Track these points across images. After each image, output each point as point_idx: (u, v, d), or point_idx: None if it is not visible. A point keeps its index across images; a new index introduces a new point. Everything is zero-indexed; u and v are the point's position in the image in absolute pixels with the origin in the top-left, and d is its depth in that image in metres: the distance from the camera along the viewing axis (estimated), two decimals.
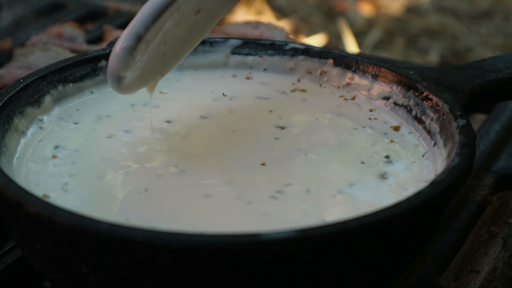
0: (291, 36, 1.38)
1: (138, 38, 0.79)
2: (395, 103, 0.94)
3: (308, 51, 1.00)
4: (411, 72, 0.94)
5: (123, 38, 0.79)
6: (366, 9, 2.76)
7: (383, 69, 0.95)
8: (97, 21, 1.42)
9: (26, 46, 1.28)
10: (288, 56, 1.01)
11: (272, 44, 1.02)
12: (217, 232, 0.67)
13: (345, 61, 0.98)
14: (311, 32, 2.54)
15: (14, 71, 1.20)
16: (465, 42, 2.60)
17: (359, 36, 2.51)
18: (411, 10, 2.77)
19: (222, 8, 0.90)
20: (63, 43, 1.28)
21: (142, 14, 0.80)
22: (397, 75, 0.94)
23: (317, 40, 2.40)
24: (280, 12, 2.66)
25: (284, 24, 2.58)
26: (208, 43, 1.02)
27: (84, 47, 1.28)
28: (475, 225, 0.98)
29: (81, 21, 1.40)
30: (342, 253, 0.70)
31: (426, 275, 0.87)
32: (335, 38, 2.48)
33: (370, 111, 0.94)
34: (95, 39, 1.33)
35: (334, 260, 0.70)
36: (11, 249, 0.87)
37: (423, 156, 0.87)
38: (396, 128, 0.91)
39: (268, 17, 2.53)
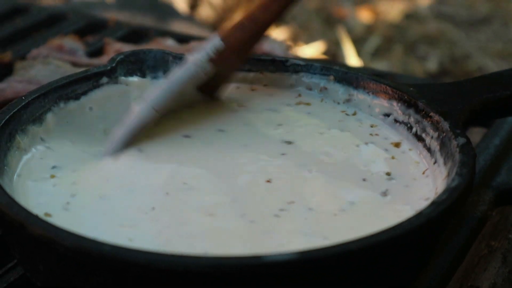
0: (289, 43, 1.38)
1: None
2: (396, 120, 0.94)
3: (309, 68, 1.01)
4: (411, 89, 0.94)
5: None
6: (365, 16, 2.76)
7: (383, 86, 0.96)
8: (97, 33, 1.42)
9: (26, 59, 1.28)
10: (289, 72, 1.01)
11: (273, 60, 1.02)
12: (220, 254, 0.67)
13: (346, 78, 0.99)
14: (310, 39, 2.55)
15: (15, 85, 1.21)
16: (464, 48, 2.60)
17: (358, 43, 2.51)
18: (409, 16, 2.78)
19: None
20: (64, 56, 1.29)
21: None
22: (397, 91, 0.94)
23: (316, 48, 2.41)
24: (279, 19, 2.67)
25: (283, 31, 2.59)
26: None
27: (84, 60, 1.29)
28: (475, 240, 0.98)
29: (81, 33, 1.40)
30: (344, 274, 0.70)
31: None
32: (334, 45, 2.49)
33: (371, 126, 0.95)
34: (96, 52, 1.33)
35: (335, 280, 0.70)
36: (13, 267, 0.88)
37: (423, 173, 0.88)
38: (397, 145, 0.92)
39: None
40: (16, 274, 0.87)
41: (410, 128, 0.93)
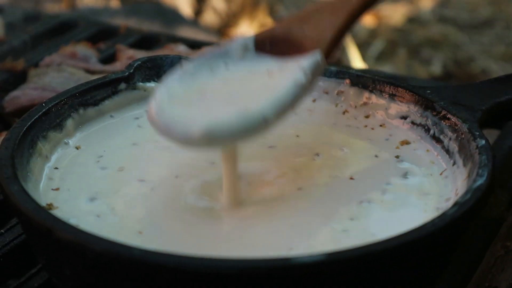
0: None
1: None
2: (413, 122, 0.95)
3: (325, 72, 1.01)
4: (428, 91, 0.95)
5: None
6: (368, 20, 2.77)
7: (400, 89, 0.97)
8: (108, 40, 1.43)
9: (40, 67, 1.29)
10: None
11: None
12: (249, 256, 0.68)
13: (362, 81, 0.99)
14: None
15: (30, 92, 1.21)
16: (467, 51, 2.61)
17: (362, 47, 2.52)
18: (412, 20, 2.79)
19: None
20: (77, 63, 1.29)
21: None
22: (414, 94, 0.95)
23: None
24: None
25: None
26: None
27: (98, 66, 1.29)
28: (492, 241, 0.99)
29: (93, 40, 1.41)
30: (370, 275, 0.71)
31: None
32: (339, 50, 2.49)
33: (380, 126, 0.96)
34: (108, 58, 1.34)
35: (362, 281, 0.71)
36: (37, 272, 0.88)
37: (440, 174, 0.88)
38: (406, 142, 0.93)
39: None
40: (40, 279, 0.87)
41: (427, 130, 0.93)
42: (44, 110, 0.91)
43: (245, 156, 0.87)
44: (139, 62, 1.01)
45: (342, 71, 1.01)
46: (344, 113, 0.99)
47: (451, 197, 0.84)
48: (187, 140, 0.78)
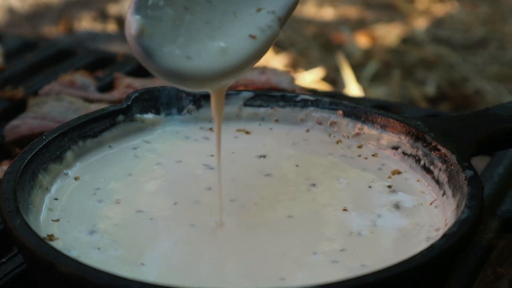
0: (293, 74, 1.41)
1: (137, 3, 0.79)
2: (404, 153, 0.98)
3: (318, 103, 1.04)
4: (419, 122, 0.98)
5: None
6: (362, 41, 2.80)
7: (391, 120, 0.99)
8: (106, 68, 1.45)
9: (39, 96, 1.31)
10: (299, 107, 1.05)
11: (283, 96, 1.05)
12: None
13: (354, 112, 1.02)
14: (309, 66, 2.58)
15: (30, 121, 1.24)
16: (461, 72, 2.64)
17: (356, 68, 2.55)
18: (407, 41, 2.82)
19: None
20: (76, 92, 1.32)
21: None
22: (405, 125, 0.98)
23: (315, 74, 2.44)
24: (279, 46, 2.71)
25: (283, 58, 2.63)
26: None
27: (96, 95, 1.32)
28: (482, 268, 1.01)
29: (91, 68, 1.44)
30: None
31: None
32: (333, 71, 2.52)
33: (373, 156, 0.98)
34: (106, 87, 1.37)
35: None
36: None
37: (431, 204, 0.91)
38: (398, 172, 0.96)
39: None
40: None
41: (418, 160, 0.96)
42: (44, 142, 0.94)
43: (241, 182, 0.91)
44: (137, 94, 1.04)
45: (335, 102, 1.03)
46: (337, 143, 1.01)
47: (440, 227, 0.86)
48: (163, 76, 0.79)
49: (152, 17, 0.79)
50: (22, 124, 1.23)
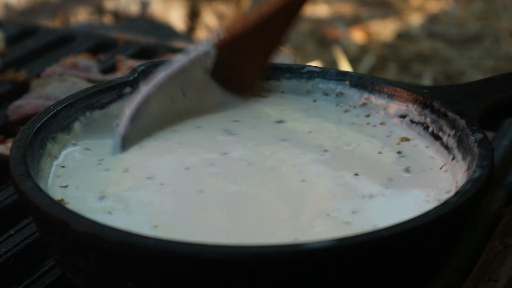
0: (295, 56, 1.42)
1: (123, 138, 0.94)
2: (412, 121, 0.98)
3: (325, 74, 1.04)
4: (426, 90, 0.98)
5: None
6: (358, 36, 2.81)
7: (398, 89, 0.99)
8: (108, 51, 1.45)
9: (42, 77, 1.31)
10: (305, 79, 1.05)
11: (289, 68, 1.05)
12: (261, 243, 0.70)
13: (361, 82, 1.02)
14: (305, 60, 2.59)
15: (33, 102, 1.23)
16: (457, 66, 2.65)
17: (353, 63, 2.56)
18: (402, 36, 2.83)
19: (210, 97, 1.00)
20: (78, 73, 1.32)
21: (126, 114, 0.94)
22: (413, 94, 0.98)
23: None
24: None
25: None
26: None
27: (99, 76, 1.32)
28: (491, 236, 1.01)
29: (92, 52, 1.43)
30: (377, 261, 0.73)
31: (449, 285, 0.90)
32: (330, 65, 2.53)
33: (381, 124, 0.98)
34: (109, 69, 1.36)
35: (369, 267, 0.73)
36: (49, 270, 0.90)
37: (440, 168, 0.91)
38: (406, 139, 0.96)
39: None
40: (52, 277, 0.89)
41: (426, 127, 0.96)
42: (52, 112, 0.93)
43: (256, 144, 0.93)
44: (143, 67, 1.03)
45: (342, 73, 1.03)
46: (345, 111, 1.01)
47: (451, 190, 0.86)
48: None
49: None
50: (26, 104, 1.23)
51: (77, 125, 0.96)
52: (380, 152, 0.94)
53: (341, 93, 1.03)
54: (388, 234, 0.72)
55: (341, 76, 1.03)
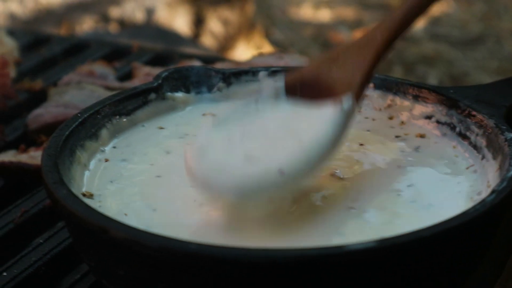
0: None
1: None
2: (438, 121, 0.98)
3: None
4: (451, 91, 0.98)
5: None
6: None
7: (423, 90, 0.99)
8: (122, 59, 1.45)
9: (59, 86, 1.31)
10: None
11: None
12: (303, 246, 0.70)
13: (385, 84, 1.02)
14: None
15: (53, 110, 1.23)
16: (461, 67, 2.66)
17: None
18: (406, 38, 2.83)
19: None
20: (96, 81, 1.32)
21: None
22: (438, 94, 0.98)
23: None
24: (279, 46, 2.71)
25: None
26: (251, 73, 1.05)
27: (116, 84, 1.32)
28: None
29: (107, 59, 1.43)
30: (418, 260, 0.73)
31: (482, 283, 0.90)
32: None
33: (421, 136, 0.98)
34: (125, 76, 1.37)
35: (410, 267, 0.73)
36: (80, 279, 0.90)
37: (467, 168, 0.91)
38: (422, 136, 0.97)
39: (267, 51, 2.58)
40: (85, 284, 0.89)
41: (453, 127, 0.96)
42: (80, 120, 0.93)
43: None
44: (167, 73, 1.03)
45: None
46: (369, 118, 1.01)
47: (482, 190, 0.86)
48: (222, 198, 0.81)
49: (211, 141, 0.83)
50: (45, 112, 1.23)
51: (104, 132, 0.96)
52: (403, 152, 0.94)
53: (366, 95, 1.03)
54: (429, 234, 0.72)
55: None
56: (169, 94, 1.03)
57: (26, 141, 1.20)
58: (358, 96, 0.88)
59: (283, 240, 0.77)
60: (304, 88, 0.89)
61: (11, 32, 1.50)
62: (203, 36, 2.51)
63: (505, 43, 2.88)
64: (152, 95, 1.01)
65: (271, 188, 0.80)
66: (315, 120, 0.85)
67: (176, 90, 1.03)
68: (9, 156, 1.13)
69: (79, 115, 0.95)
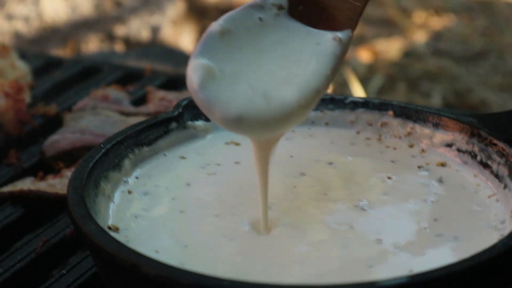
0: None
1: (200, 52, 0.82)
2: (459, 150, 0.98)
3: (368, 104, 1.05)
4: (472, 119, 0.98)
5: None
6: (365, 56, 2.82)
7: (444, 118, 1.00)
8: (135, 82, 1.45)
9: (74, 111, 1.31)
10: (348, 109, 1.05)
11: (332, 98, 1.06)
12: (338, 282, 0.70)
13: (405, 112, 1.03)
14: None
15: (69, 136, 1.23)
16: (465, 83, 2.66)
17: (362, 82, 2.57)
18: (408, 54, 2.84)
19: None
20: (110, 105, 1.32)
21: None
22: (459, 123, 0.98)
23: None
24: None
25: None
26: None
27: (131, 108, 1.32)
28: None
29: (120, 83, 1.44)
30: None
31: None
32: (340, 86, 2.54)
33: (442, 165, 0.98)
34: (139, 100, 1.37)
35: None
36: None
37: (489, 197, 0.91)
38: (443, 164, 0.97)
39: None
40: None
41: (474, 156, 0.96)
42: (103, 151, 0.94)
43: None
44: (186, 102, 1.04)
45: (385, 103, 1.04)
46: (387, 147, 1.02)
47: (506, 219, 0.87)
48: (223, 124, 0.81)
49: (218, 61, 0.80)
50: (62, 139, 1.23)
51: (127, 162, 0.96)
52: (426, 184, 0.94)
53: (385, 123, 1.04)
54: (460, 269, 0.72)
55: (384, 106, 1.04)
56: (189, 122, 1.03)
57: (43, 167, 1.20)
58: (353, 32, 0.88)
59: (315, 275, 0.78)
60: (306, 10, 0.89)
61: (22, 55, 1.50)
62: None
63: (508, 57, 2.88)
64: (173, 124, 1.02)
65: (273, 119, 0.81)
66: (315, 48, 0.86)
67: (197, 119, 1.04)
68: (27, 184, 1.13)
69: (102, 145, 0.95)
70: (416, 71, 2.72)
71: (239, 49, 0.85)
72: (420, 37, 3.00)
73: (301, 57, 0.85)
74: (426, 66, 2.75)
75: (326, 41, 0.86)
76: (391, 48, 2.90)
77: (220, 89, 0.81)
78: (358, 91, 2.39)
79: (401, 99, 2.53)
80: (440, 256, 0.81)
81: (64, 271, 0.96)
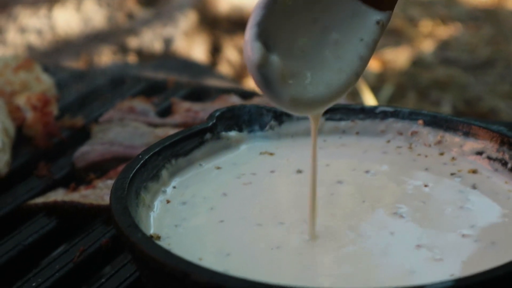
0: None
1: (258, 25, 0.80)
2: (489, 158, 1.00)
3: (398, 113, 1.06)
4: (502, 128, 1.00)
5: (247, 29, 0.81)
6: (374, 65, 2.84)
7: (474, 126, 1.02)
8: (159, 94, 1.47)
9: (101, 123, 1.33)
10: (379, 119, 1.07)
11: (363, 108, 1.08)
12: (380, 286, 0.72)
13: (435, 121, 1.05)
14: None
15: (98, 148, 1.25)
16: (474, 92, 2.68)
17: (372, 92, 2.59)
18: (417, 63, 2.87)
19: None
20: (137, 117, 1.34)
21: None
22: (489, 131, 1.00)
23: None
24: None
25: None
26: None
27: (157, 120, 1.34)
28: None
29: (144, 94, 1.46)
30: None
31: None
32: (352, 97, 2.56)
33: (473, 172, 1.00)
34: (164, 112, 1.39)
35: None
36: None
37: None
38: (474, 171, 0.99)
39: None
40: None
41: (505, 163, 0.98)
42: (142, 161, 0.95)
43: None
44: (219, 113, 1.06)
45: (415, 112, 1.06)
46: (419, 155, 1.03)
47: None
48: (278, 104, 0.82)
49: (274, 44, 0.81)
50: (91, 150, 1.25)
51: (164, 173, 0.98)
52: (461, 191, 0.96)
53: (415, 132, 1.06)
54: (503, 273, 0.74)
55: (414, 115, 1.06)
56: (223, 133, 1.05)
57: (74, 179, 1.21)
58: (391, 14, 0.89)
59: (359, 280, 0.79)
60: None
61: (46, 69, 1.52)
62: (220, 64, 2.53)
63: None
64: (208, 135, 1.04)
65: (320, 101, 0.84)
66: (361, 32, 0.87)
67: (230, 129, 1.06)
68: (60, 195, 1.15)
69: (140, 156, 0.97)
70: (425, 80, 2.74)
71: (292, 14, 0.85)
72: (427, 46, 3.02)
73: (347, 39, 0.87)
74: (434, 75, 2.77)
75: (371, 25, 0.88)
76: (399, 57, 2.92)
77: (275, 71, 0.80)
78: (370, 100, 2.41)
79: (412, 108, 2.55)
80: (479, 261, 0.82)
81: (103, 280, 0.97)
